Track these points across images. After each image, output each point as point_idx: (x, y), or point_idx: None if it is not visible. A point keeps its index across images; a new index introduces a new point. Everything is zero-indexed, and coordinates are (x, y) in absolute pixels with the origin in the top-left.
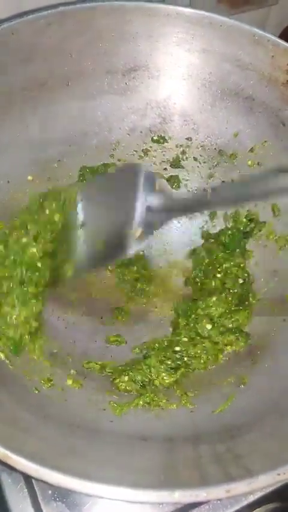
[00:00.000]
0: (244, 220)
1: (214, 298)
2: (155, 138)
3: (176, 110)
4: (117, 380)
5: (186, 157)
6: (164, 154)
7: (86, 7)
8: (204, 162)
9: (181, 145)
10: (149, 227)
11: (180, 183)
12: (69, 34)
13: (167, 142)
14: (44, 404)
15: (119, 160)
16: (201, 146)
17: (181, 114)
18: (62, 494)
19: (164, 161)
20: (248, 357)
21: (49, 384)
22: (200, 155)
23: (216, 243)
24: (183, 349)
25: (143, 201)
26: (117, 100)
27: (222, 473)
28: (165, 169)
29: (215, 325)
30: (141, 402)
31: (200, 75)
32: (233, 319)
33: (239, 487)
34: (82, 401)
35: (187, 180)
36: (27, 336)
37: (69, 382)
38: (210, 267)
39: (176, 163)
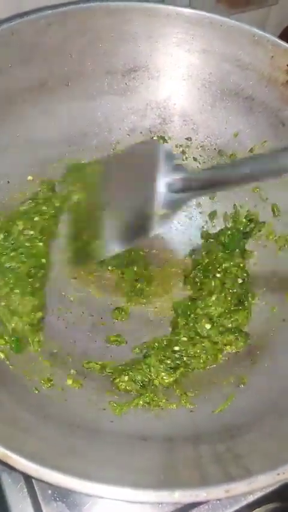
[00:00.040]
0: (244, 220)
1: (213, 298)
2: (154, 138)
3: (176, 111)
4: (117, 380)
5: (186, 158)
6: None
7: (86, 7)
8: (204, 162)
9: (181, 146)
10: (171, 207)
11: None
12: (70, 34)
13: (166, 142)
14: (44, 404)
15: None
16: (201, 146)
17: (181, 115)
18: (62, 494)
19: None
20: (248, 357)
21: (49, 384)
22: (200, 155)
23: (216, 243)
24: (183, 348)
25: (164, 181)
26: (117, 100)
27: (222, 473)
28: None
29: (215, 324)
30: (141, 402)
31: (200, 75)
32: (232, 319)
33: (239, 487)
34: (82, 401)
35: None
36: (28, 326)
37: (69, 382)
38: (210, 267)
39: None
